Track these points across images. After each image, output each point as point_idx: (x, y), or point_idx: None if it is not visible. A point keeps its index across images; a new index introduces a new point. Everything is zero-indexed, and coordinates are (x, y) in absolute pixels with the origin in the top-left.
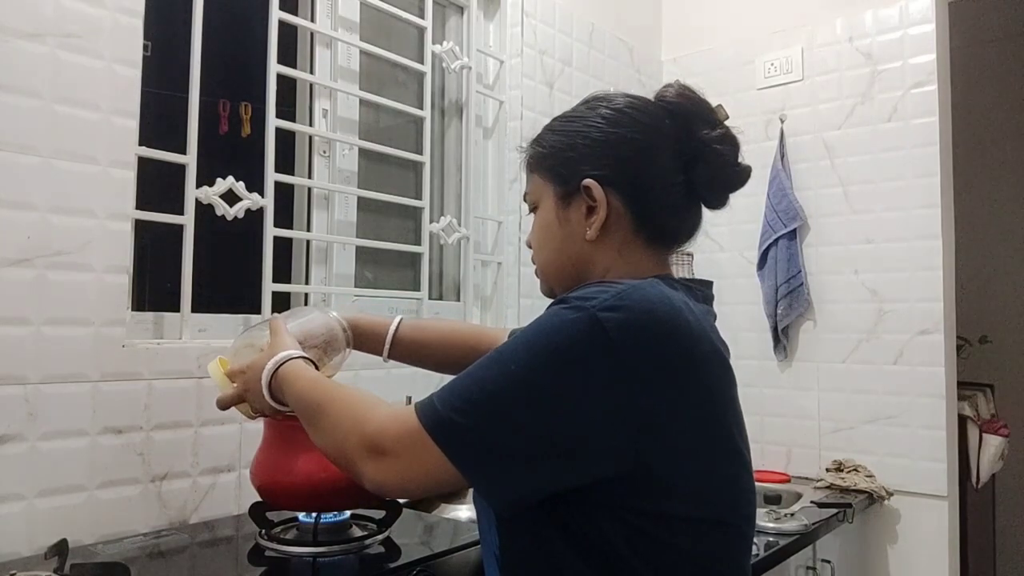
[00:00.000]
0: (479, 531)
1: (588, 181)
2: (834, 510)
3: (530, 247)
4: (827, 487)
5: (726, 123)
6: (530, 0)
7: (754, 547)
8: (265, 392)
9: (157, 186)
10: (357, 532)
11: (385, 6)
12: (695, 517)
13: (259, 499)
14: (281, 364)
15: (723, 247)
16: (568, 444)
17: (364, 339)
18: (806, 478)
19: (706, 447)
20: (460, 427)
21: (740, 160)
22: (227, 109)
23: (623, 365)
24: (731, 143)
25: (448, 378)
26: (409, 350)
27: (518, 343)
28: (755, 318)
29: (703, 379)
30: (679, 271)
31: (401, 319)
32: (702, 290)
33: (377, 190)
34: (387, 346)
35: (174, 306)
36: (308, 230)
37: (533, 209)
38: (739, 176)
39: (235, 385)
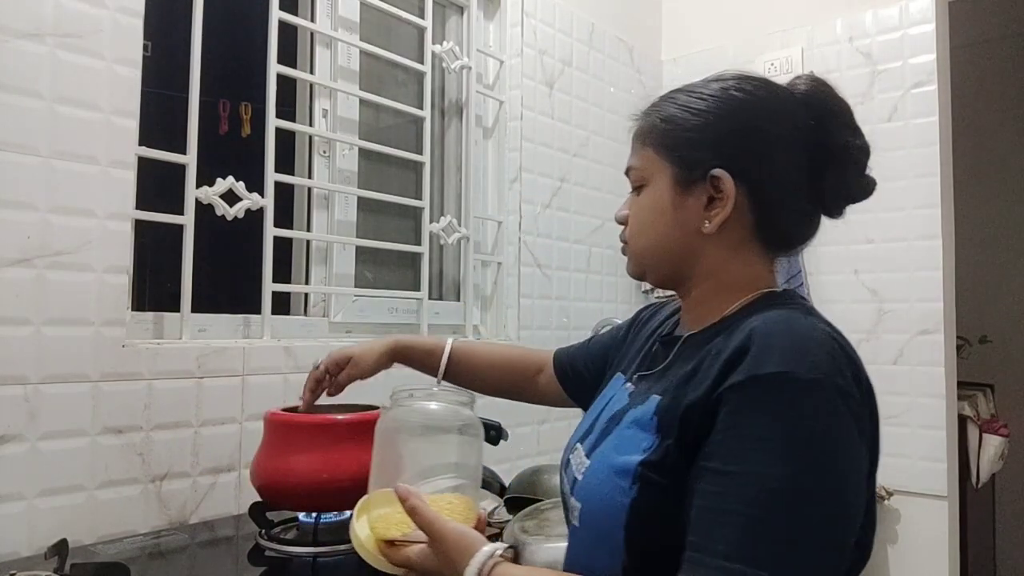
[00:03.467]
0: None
1: (719, 172)
2: None
3: (620, 223)
4: None
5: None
6: (530, 0)
7: None
8: None
9: (157, 186)
10: None
11: (385, 6)
12: (860, 541)
13: (259, 499)
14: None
15: None
16: (856, 517)
17: (420, 362)
18: None
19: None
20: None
21: (868, 174)
22: (227, 109)
23: (860, 427)
24: (866, 152)
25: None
26: (461, 373)
27: (761, 454)
28: None
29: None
30: None
31: (454, 340)
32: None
33: (377, 190)
34: (441, 370)
35: (174, 306)
36: (308, 230)
37: (638, 186)
38: (867, 188)
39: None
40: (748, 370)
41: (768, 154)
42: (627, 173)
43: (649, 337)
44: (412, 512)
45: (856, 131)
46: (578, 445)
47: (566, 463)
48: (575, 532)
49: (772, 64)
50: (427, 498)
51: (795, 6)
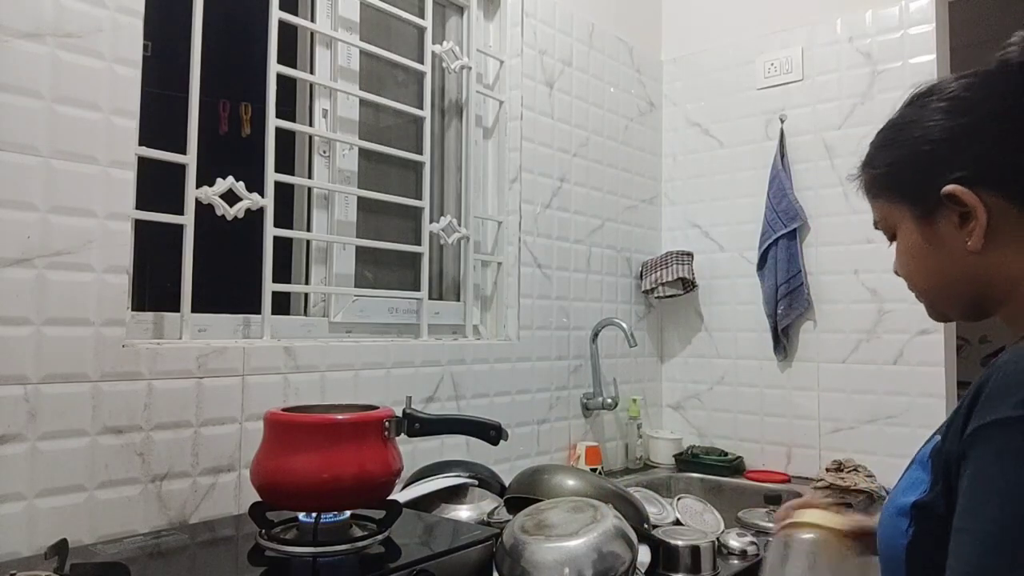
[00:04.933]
0: None
1: (949, 188)
2: None
3: (898, 274)
4: (827, 487)
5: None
6: (530, 0)
7: (754, 547)
8: None
9: (157, 186)
10: (357, 532)
11: (385, 6)
12: None
13: (259, 499)
14: None
15: (723, 247)
16: None
17: None
18: (806, 478)
19: None
20: None
21: None
22: (227, 109)
23: None
24: None
25: None
26: None
27: (987, 508)
28: (755, 318)
29: None
30: (678, 271)
31: None
32: None
33: (377, 190)
34: None
35: (174, 306)
36: (308, 230)
37: (892, 237)
38: None
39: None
40: (981, 416)
41: (997, 143)
42: (876, 227)
43: None
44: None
45: None
46: None
47: None
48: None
49: (772, 64)
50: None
51: (795, 6)
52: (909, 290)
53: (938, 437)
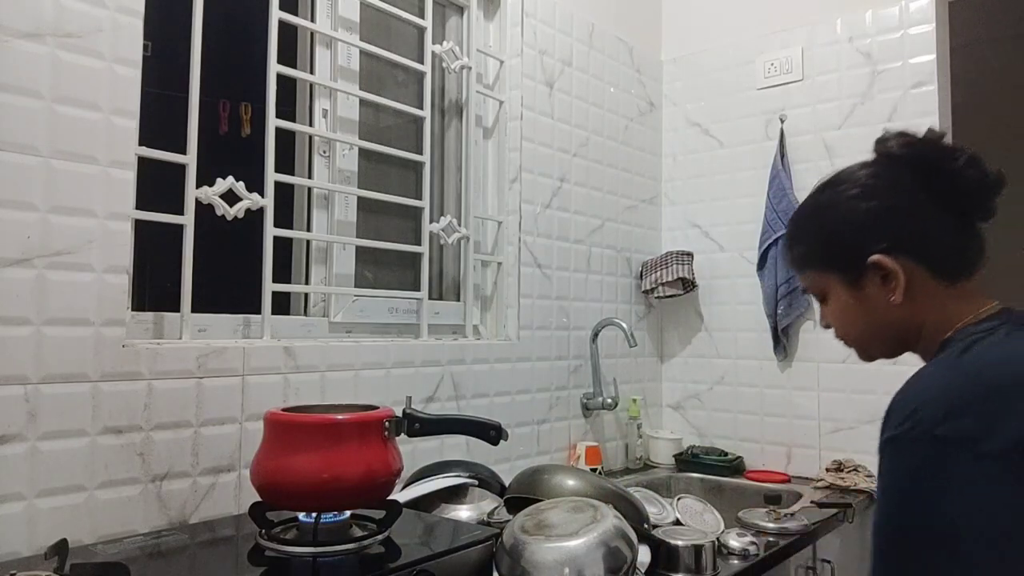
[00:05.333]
0: None
1: (875, 258)
2: (834, 510)
3: (826, 327)
4: (827, 487)
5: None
6: (530, 0)
7: (754, 547)
8: None
9: (157, 186)
10: (357, 532)
11: (385, 6)
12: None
13: (259, 499)
14: None
15: (723, 247)
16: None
17: None
18: (806, 478)
19: None
20: None
21: (988, 169)
22: (227, 109)
23: (953, 464)
24: (976, 163)
25: None
26: None
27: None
28: (755, 318)
29: None
30: (678, 271)
31: None
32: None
33: (377, 190)
34: None
35: (174, 306)
36: (308, 230)
37: (823, 300)
38: (997, 183)
39: None
40: (881, 434)
41: (903, 220)
42: (805, 293)
43: None
44: None
45: (951, 152)
46: None
47: None
48: None
49: (772, 64)
50: None
51: (795, 6)
52: (837, 338)
53: None
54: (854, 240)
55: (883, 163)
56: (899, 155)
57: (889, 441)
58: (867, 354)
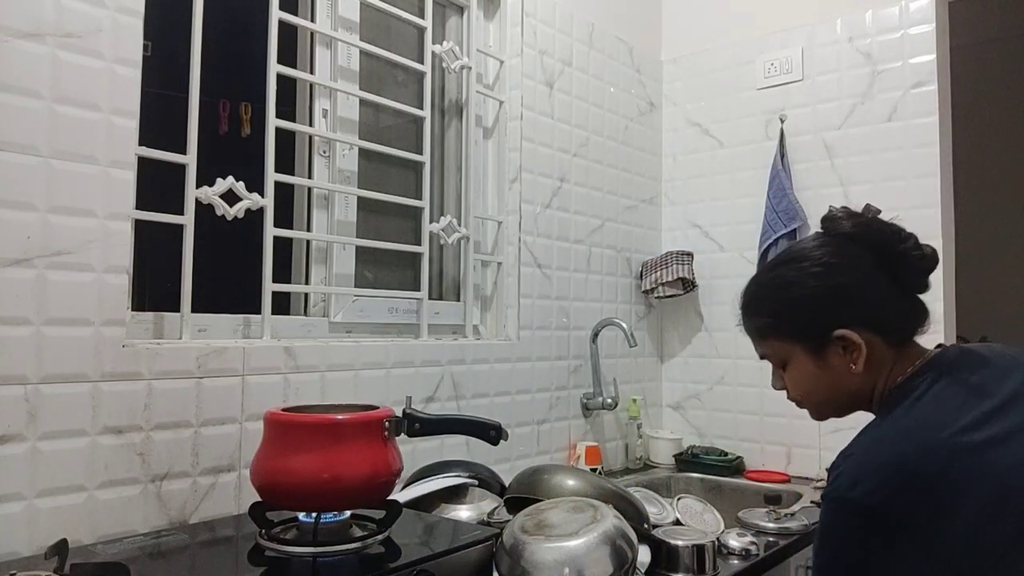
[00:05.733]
0: None
1: (840, 332)
2: None
3: (778, 389)
4: None
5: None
6: (530, 0)
7: (754, 547)
8: None
9: (157, 186)
10: (357, 532)
11: (385, 6)
12: None
13: (259, 499)
14: None
15: (723, 247)
16: None
17: None
18: (806, 478)
19: None
20: None
21: (927, 249)
22: (227, 109)
23: (866, 530)
24: (918, 245)
25: None
26: None
27: None
28: None
29: None
30: (678, 271)
31: None
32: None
33: (377, 190)
34: None
35: (174, 306)
36: (308, 230)
37: (781, 366)
38: (933, 261)
39: None
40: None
41: (863, 296)
42: (763, 358)
43: None
44: None
45: (899, 234)
46: None
47: None
48: None
49: (772, 64)
50: None
51: (795, 6)
52: (790, 400)
53: None
54: (819, 314)
55: (838, 242)
56: (854, 235)
57: (823, 497)
58: (821, 415)
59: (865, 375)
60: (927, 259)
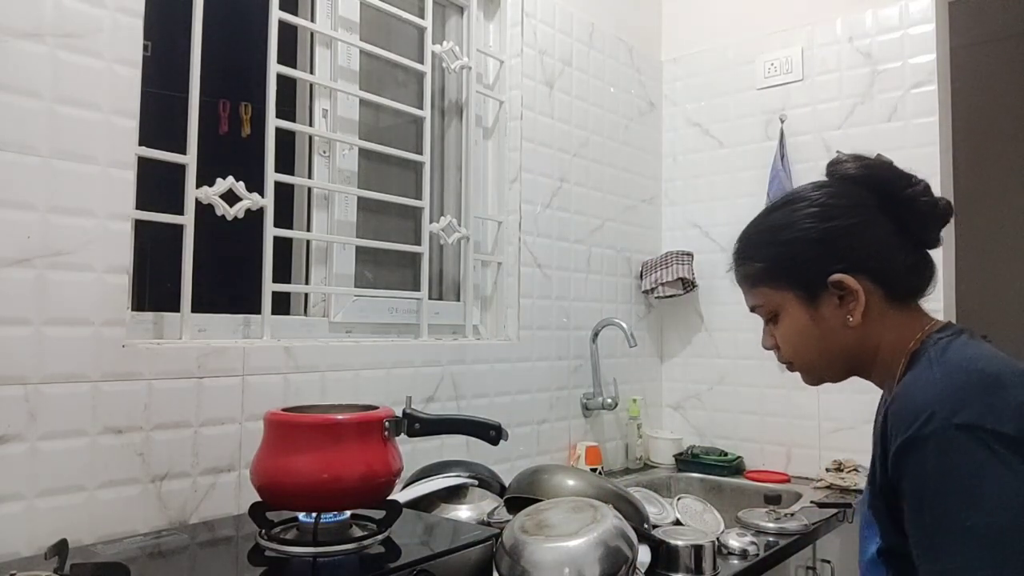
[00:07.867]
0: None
1: (836, 277)
2: (834, 510)
3: (768, 348)
4: (827, 487)
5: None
6: (530, 0)
7: (754, 547)
8: None
9: (157, 186)
10: (357, 532)
11: (385, 6)
12: None
13: (259, 499)
14: None
15: (723, 247)
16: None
17: None
18: (806, 478)
19: None
20: None
21: (939, 198)
22: (227, 109)
23: (996, 450)
24: (929, 191)
25: None
26: None
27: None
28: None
29: None
30: (678, 271)
31: None
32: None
33: (377, 190)
34: None
35: (174, 306)
36: (308, 230)
37: (772, 319)
38: (946, 213)
39: None
40: (893, 442)
41: (862, 240)
42: (753, 311)
43: None
44: None
45: (908, 178)
46: None
47: None
48: None
49: (772, 64)
50: None
51: (795, 6)
52: (783, 361)
53: (866, 489)
54: (813, 257)
55: (840, 184)
56: (857, 176)
57: (909, 442)
58: (815, 377)
59: (863, 331)
60: (939, 208)
